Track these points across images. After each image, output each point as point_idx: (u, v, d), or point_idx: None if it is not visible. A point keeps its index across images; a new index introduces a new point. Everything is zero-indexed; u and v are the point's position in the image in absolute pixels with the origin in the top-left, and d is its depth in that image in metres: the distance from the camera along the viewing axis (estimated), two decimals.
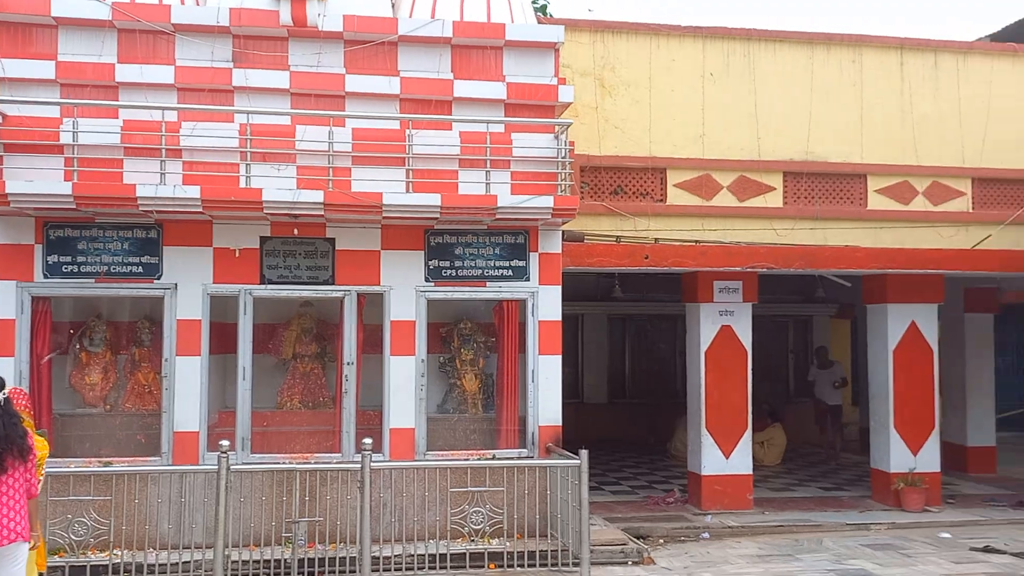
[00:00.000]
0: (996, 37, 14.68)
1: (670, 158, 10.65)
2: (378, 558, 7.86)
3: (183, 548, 7.64)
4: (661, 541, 9.41)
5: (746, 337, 10.59)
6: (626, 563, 8.44)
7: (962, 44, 11.78)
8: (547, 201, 8.48)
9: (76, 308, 9.16)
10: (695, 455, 10.74)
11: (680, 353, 17.83)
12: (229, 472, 7.32)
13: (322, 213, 8.30)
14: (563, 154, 8.81)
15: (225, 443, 7.35)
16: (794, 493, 11.77)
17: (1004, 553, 8.75)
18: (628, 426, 17.15)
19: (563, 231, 9.33)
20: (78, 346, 9.14)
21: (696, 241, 10.38)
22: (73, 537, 7.51)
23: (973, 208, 11.35)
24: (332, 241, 8.86)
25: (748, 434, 10.63)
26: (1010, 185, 11.47)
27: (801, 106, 10.98)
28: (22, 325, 8.35)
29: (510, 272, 9.13)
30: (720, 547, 9.16)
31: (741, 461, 10.57)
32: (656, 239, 10.33)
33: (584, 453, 7.70)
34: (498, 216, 8.56)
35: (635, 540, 8.91)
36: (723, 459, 10.51)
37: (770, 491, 11.68)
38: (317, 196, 8.16)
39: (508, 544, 8.03)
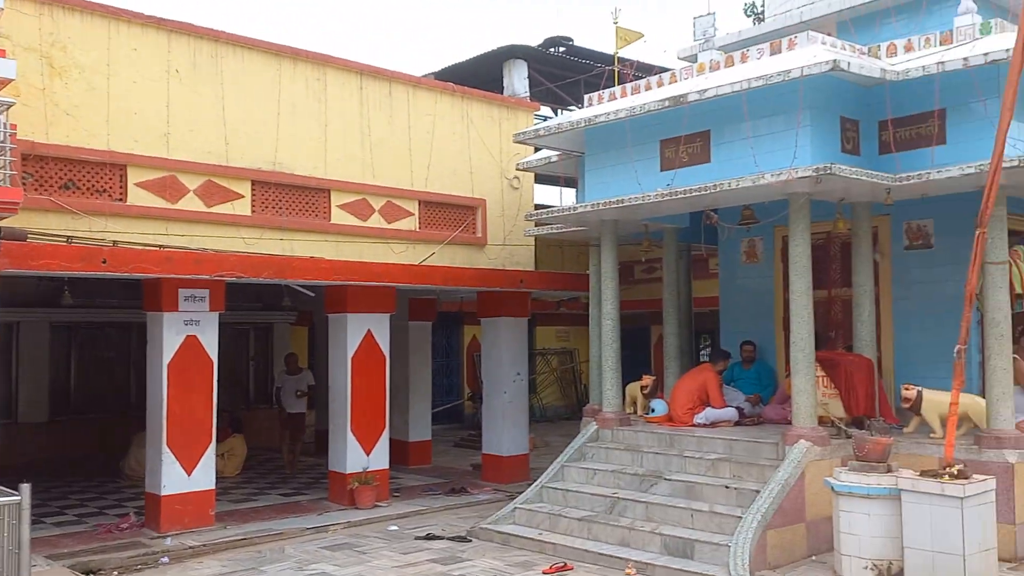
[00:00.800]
0: (440, 76, 16.57)
1: (131, 154, 9.85)
2: None
3: None
4: (116, 574, 8.61)
5: (212, 347, 10.28)
6: None
7: (412, 78, 13.04)
8: None
9: None
10: (154, 474, 10.08)
11: (135, 363, 16.77)
12: None
13: None
14: (2, 138, 7.57)
15: None
16: (256, 503, 11.75)
17: (443, 538, 9.83)
18: (74, 446, 15.45)
19: (1, 227, 8.02)
20: None
21: (160, 246, 9.76)
22: None
23: (420, 228, 12.62)
24: None
25: (212, 448, 10.32)
26: (448, 209, 13.01)
27: (270, 115, 11.06)
28: None
29: None
30: (181, 570, 8.72)
31: (204, 476, 10.20)
32: (115, 242, 9.46)
33: (26, 488, 6.68)
34: None
35: None
36: (185, 476, 10.03)
37: (231, 503, 11.49)
38: None
39: None
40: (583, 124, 10.02)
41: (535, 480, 13.13)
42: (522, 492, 12.32)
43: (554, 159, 11.84)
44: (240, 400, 17.55)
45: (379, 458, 11.76)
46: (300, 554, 9.28)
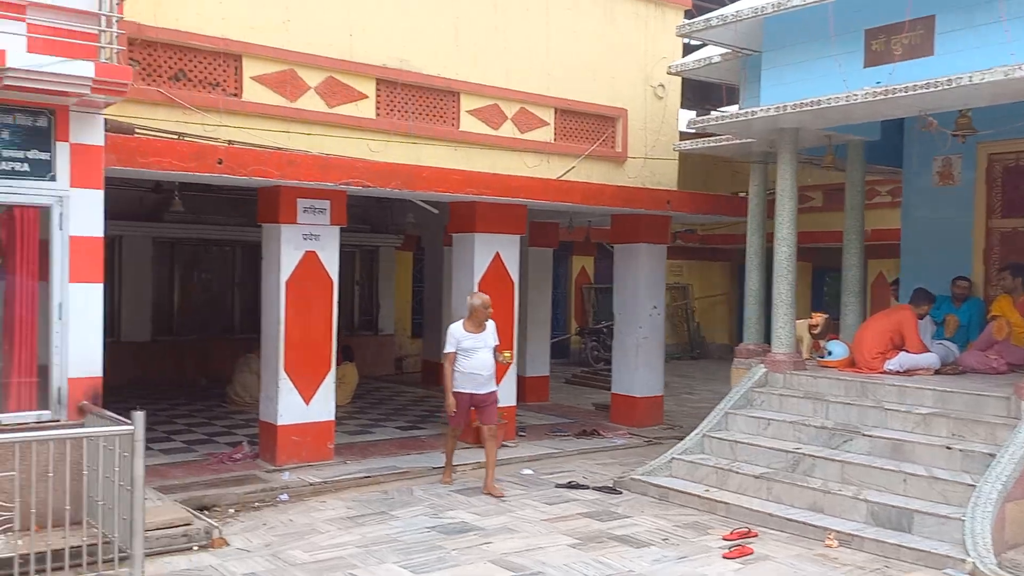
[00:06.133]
0: None
1: (247, 43, 8.68)
2: None
3: None
4: (232, 511, 7.72)
5: (332, 265, 9.20)
6: (190, 548, 6.62)
7: None
8: (85, 68, 6.09)
9: None
10: (269, 402, 9.15)
11: (238, 284, 16.05)
12: None
13: None
14: (109, 7, 6.44)
15: None
16: (372, 436, 10.81)
17: (587, 487, 8.69)
18: (176, 367, 14.84)
19: (106, 119, 6.96)
20: None
21: (279, 149, 8.64)
22: None
23: (556, 139, 11.23)
24: None
25: (331, 376, 9.33)
26: (586, 119, 11.55)
27: (396, 4, 9.74)
28: None
29: (25, 167, 6.53)
30: (304, 511, 7.78)
31: (322, 406, 9.23)
32: (230, 141, 8.37)
33: (139, 416, 5.72)
34: (7, 82, 5.94)
35: (200, 516, 7.12)
36: (303, 405, 9.08)
37: (347, 435, 10.54)
38: None
39: (21, 543, 5.72)
40: (769, 10, 8.39)
41: (668, 424, 12.04)
42: (659, 437, 11.21)
43: (716, 60, 10.23)
44: (344, 326, 16.73)
45: (506, 393, 10.61)
46: (431, 497, 8.25)
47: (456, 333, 8.41)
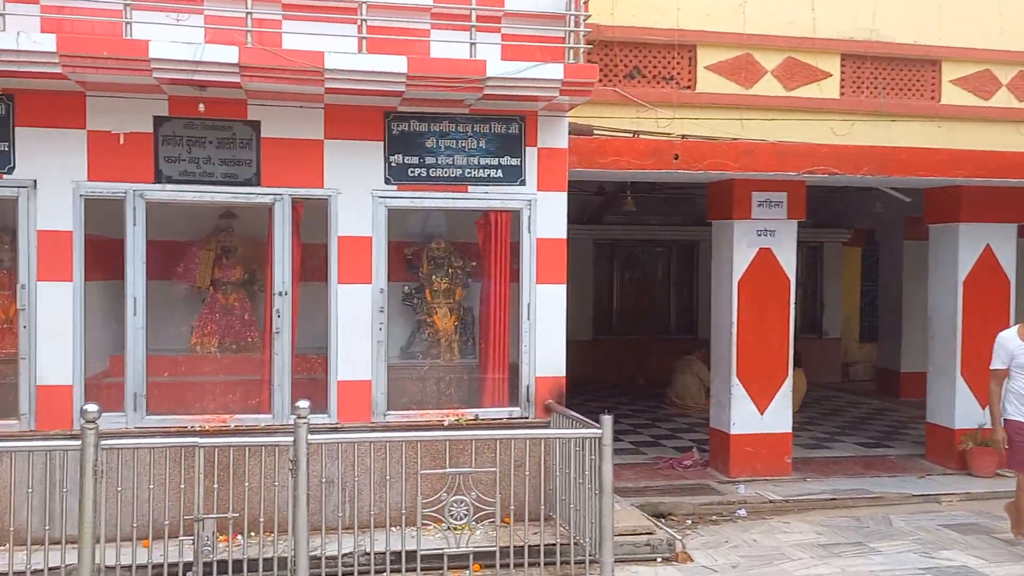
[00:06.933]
0: None
1: (702, 31, 8.31)
2: (319, 558, 5.69)
3: (50, 545, 5.37)
4: (689, 522, 7.37)
5: (789, 264, 8.46)
6: (654, 559, 6.36)
7: None
8: (555, 71, 6.10)
9: None
10: (721, 409, 8.67)
11: (675, 284, 15.92)
12: (99, 450, 5.01)
13: (238, 81, 5.85)
14: (575, 8, 6.42)
15: (92, 408, 5.00)
16: (830, 451, 9.81)
17: None
18: (614, 366, 15.11)
19: (570, 122, 7.00)
20: None
21: (733, 139, 8.12)
22: None
23: None
24: (256, 125, 6.42)
25: (788, 384, 8.59)
26: None
27: None
28: None
29: (500, 173, 6.80)
30: (766, 530, 7.15)
31: (778, 416, 8.54)
32: (683, 135, 8.03)
33: (607, 420, 5.54)
34: (487, 91, 6.16)
35: (661, 525, 6.84)
36: (757, 415, 8.46)
37: (802, 449, 9.66)
38: (229, 54, 5.71)
39: (499, 536, 5.86)
40: None
41: None
42: None
43: None
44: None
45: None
46: (914, 531, 7.11)
47: (1009, 343, 6.49)
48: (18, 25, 5.68)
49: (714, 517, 7.51)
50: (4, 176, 6.09)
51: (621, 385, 14.51)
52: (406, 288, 7.50)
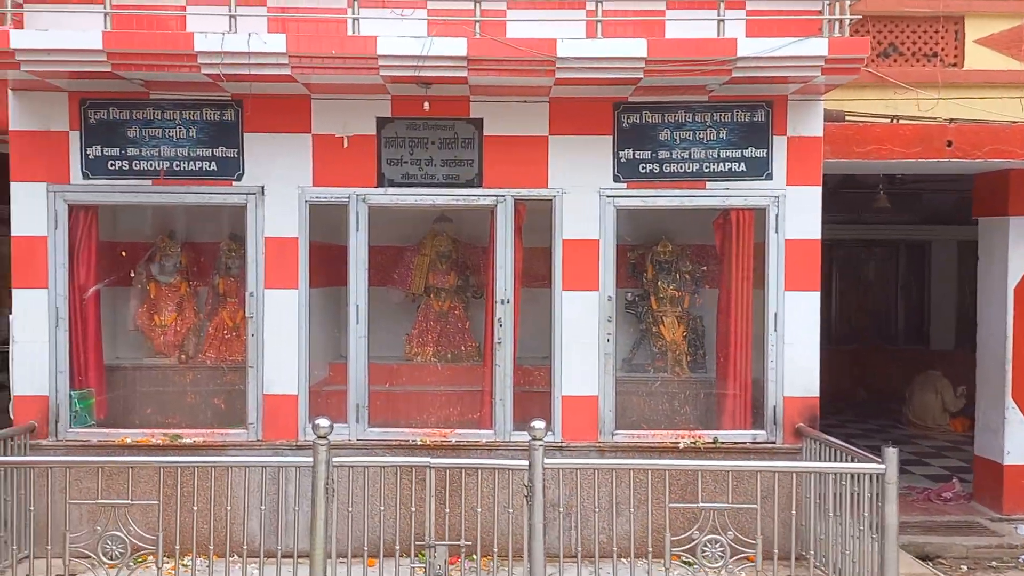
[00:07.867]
0: None
1: (970, 1, 7.19)
2: None
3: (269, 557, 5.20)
4: (963, 567, 6.33)
5: None
6: None
7: None
8: (818, 46, 5.31)
9: (132, 222, 6.81)
10: (991, 436, 7.49)
11: (902, 288, 14.44)
12: (330, 467, 4.75)
13: (464, 76, 5.46)
14: None
15: (324, 423, 4.76)
16: None
17: None
18: (834, 377, 13.81)
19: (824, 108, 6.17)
20: (144, 274, 6.81)
21: (1013, 122, 6.96)
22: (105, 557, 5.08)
23: None
24: (478, 123, 6.06)
25: None
26: None
27: None
28: (57, 244, 6.00)
29: (742, 167, 6.07)
30: None
31: None
32: (951, 119, 6.96)
33: (892, 454, 4.71)
34: (735, 74, 5.46)
35: (937, 573, 5.87)
36: None
37: None
38: (457, 46, 5.33)
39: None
40: None
41: None
42: None
43: None
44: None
45: None
46: None
47: None
48: (246, 27, 5.56)
49: (994, 563, 6.42)
50: (234, 183, 6.03)
51: (840, 399, 13.25)
52: (629, 295, 6.93)
